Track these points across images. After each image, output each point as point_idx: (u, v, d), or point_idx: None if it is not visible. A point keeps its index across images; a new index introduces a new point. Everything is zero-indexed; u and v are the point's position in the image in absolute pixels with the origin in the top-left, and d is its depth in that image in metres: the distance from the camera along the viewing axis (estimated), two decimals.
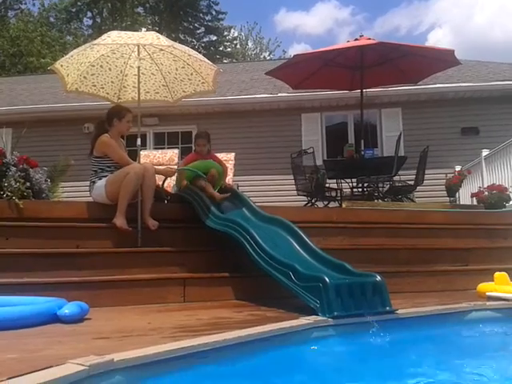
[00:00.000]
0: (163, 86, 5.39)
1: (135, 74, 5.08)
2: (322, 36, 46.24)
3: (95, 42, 4.70)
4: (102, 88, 5.22)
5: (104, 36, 4.64)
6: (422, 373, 2.31)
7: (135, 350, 2.04)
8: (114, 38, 4.66)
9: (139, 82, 4.93)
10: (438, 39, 43.76)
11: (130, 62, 5.18)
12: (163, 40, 4.69)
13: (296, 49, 42.86)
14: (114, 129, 4.68)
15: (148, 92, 5.40)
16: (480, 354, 2.76)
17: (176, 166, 5.74)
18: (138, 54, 4.86)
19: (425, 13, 48.86)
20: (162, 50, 5.00)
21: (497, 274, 4.17)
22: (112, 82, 5.23)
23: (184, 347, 2.18)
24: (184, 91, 5.44)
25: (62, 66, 4.89)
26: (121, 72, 5.22)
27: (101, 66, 5.08)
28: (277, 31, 48.47)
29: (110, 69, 5.15)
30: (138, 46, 4.84)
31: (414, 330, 3.02)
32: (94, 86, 5.16)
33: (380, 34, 44.35)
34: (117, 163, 4.54)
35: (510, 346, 2.97)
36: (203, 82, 5.29)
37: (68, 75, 4.95)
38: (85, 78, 5.05)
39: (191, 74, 5.27)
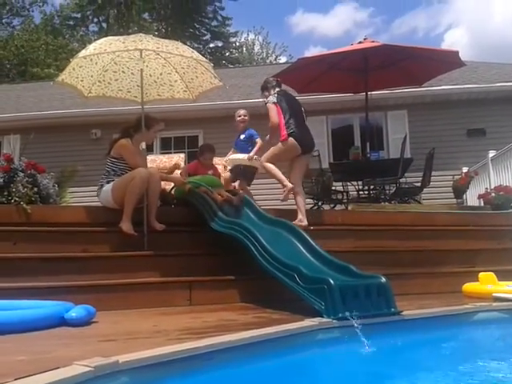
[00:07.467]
0: (137, 86, 5.24)
1: (115, 72, 5.10)
2: (340, 37, 45.63)
3: (96, 51, 4.67)
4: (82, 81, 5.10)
5: (102, 45, 4.63)
6: (426, 372, 2.31)
7: (140, 352, 2.07)
8: (114, 47, 4.63)
9: (142, 83, 4.90)
10: (455, 39, 43.36)
11: (116, 58, 5.05)
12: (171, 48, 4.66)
13: (312, 52, 42.70)
14: (139, 136, 4.73)
15: (121, 90, 5.39)
16: (483, 355, 2.76)
17: (180, 171, 5.75)
18: (141, 55, 4.75)
19: (442, 14, 48.47)
20: (157, 54, 4.96)
21: (482, 274, 4.18)
22: (91, 75, 5.10)
23: (189, 349, 2.20)
24: (159, 95, 5.49)
25: (63, 80, 4.93)
26: (102, 67, 5.08)
27: (96, 63, 4.98)
28: (293, 34, 47.95)
29: (96, 63, 5.01)
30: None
31: (418, 332, 3.02)
32: (81, 80, 5.05)
33: (397, 35, 43.82)
34: (130, 168, 4.59)
35: None
36: (185, 91, 5.38)
37: (77, 84, 5.00)
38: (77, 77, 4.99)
39: (175, 82, 5.32)
